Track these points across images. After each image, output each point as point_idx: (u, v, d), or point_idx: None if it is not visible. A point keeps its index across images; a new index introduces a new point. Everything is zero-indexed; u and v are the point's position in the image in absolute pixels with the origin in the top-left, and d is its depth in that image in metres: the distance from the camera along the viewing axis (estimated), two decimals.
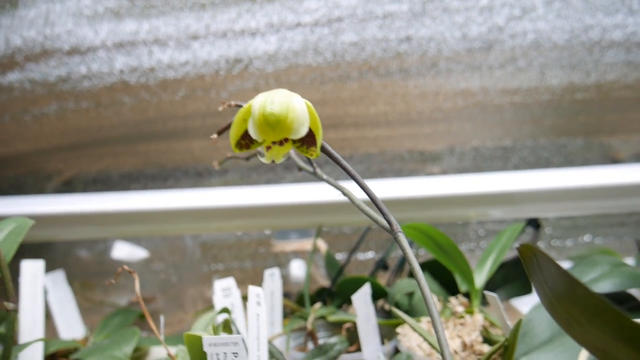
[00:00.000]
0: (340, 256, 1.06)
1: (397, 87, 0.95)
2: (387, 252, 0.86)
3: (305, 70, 0.90)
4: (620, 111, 1.01)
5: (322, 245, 0.93)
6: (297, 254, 0.96)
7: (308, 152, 0.33)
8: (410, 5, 0.85)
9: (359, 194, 0.47)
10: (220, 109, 0.43)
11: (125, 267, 0.50)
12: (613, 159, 1.08)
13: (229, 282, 0.63)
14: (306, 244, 0.93)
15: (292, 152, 0.57)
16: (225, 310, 0.57)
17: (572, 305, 0.24)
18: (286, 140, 0.32)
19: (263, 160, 0.32)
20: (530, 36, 0.89)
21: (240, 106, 0.41)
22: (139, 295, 0.51)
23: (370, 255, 1.12)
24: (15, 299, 0.41)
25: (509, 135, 1.06)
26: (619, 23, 0.87)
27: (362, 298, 0.60)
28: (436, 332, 0.30)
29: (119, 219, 0.80)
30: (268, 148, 0.32)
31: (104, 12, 0.82)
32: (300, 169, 0.54)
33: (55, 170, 1.09)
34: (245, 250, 1.13)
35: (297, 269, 0.93)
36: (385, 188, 0.75)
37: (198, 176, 1.12)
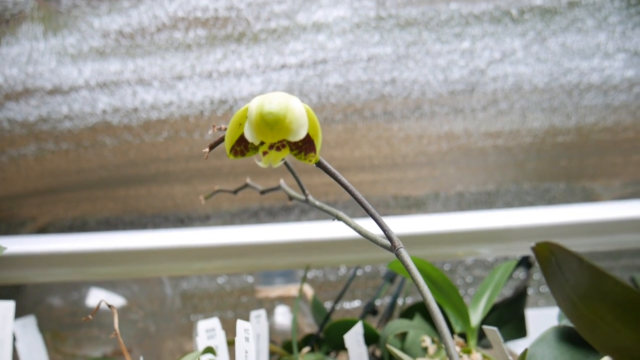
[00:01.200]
0: (326, 305, 1.02)
1: (382, 129, 0.96)
2: (375, 295, 0.84)
3: None
4: (601, 154, 1.02)
5: (309, 290, 0.90)
6: (282, 300, 0.92)
7: (306, 159, 0.31)
8: (394, 48, 0.87)
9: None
10: (210, 132, 0.41)
11: (105, 301, 0.47)
12: (595, 202, 1.08)
13: (213, 323, 0.60)
14: (292, 290, 0.89)
15: (282, 182, 0.56)
16: (209, 349, 0.53)
17: (599, 302, 0.22)
18: (283, 146, 0.30)
19: (260, 164, 0.31)
20: (511, 79, 0.90)
21: None
22: (117, 332, 0.47)
23: (356, 304, 1.09)
24: None
25: (493, 180, 1.06)
26: (596, 67, 0.90)
27: (354, 337, 0.57)
28: (446, 347, 0.28)
29: (95, 260, 0.76)
30: (264, 153, 0.30)
31: (88, 52, 0.82)
32: (291, 198, 0.52)
33: (29, 216, 1.05)
34: (227, 300, 1.09)
35: (282, 316, 0.89)
36: (373, 227, 0.73)
37: (179, 222, 1.09)
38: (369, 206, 0.35)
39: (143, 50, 0.83)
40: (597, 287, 0.22)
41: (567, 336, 0.49)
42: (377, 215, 0.35)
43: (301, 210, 1.08)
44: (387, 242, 0.35)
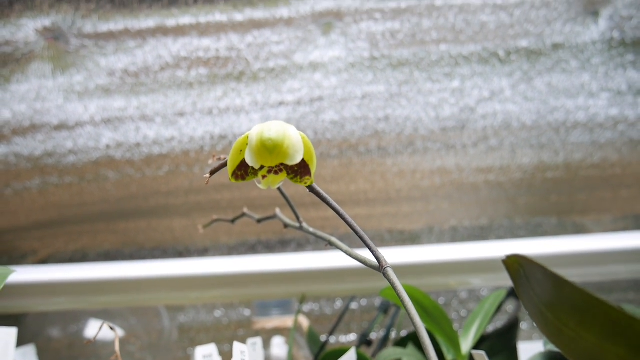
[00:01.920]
0: (322, 338, 1.03)
1: (376, 165, 0.99)
2: (370, 326, 0.85)
3: None
4: (590, 190, 1.05)
5: (304, 322, 0.91)
6: (279, 331, 0.93)
7: (302, 181, 0.34)
8: (387, 86, 0.91)
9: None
10: (211, 161, 0.44)
11: (107, 324, 0.49)
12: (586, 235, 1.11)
13: (211, 349, 0.61)
14: (288, 321, 0.91)
15: (277, 211, 0.58)
16: None
17: (561, 307, 0.24)
18: (281, 170, 0.33)
19: (260, 186, 0.33)
20: (500, 117, 0.94)
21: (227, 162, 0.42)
22: (118, 354, 0.49)
23: (352, 337, 1.10)
24: None
25: (486, 215, 1.09)
26: (581, 105, 0.94)
27: None
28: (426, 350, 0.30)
29: (95, 289, 0.78)
30: (264, 177, 0.33)
31: (94, 89, 0.86)
32: (286, 225, 0.55)
33: (31, 249, 1.07)
34: (224, 333, 1.10)
35: (278, 347, 0.90)
36: (367, 256, 0.75)
37: (178, 255, 1.11)
38: (357, 227, 0.38)
39: (147, 88, 0.87)
40: (559, 294, 0.24)
41: None
42: (366, 238, 0.38)
43: (298, 244, 1.10)
44: (376, 262, 0.38)
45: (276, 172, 0.33)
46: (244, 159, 0.33)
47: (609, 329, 0.23)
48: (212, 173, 0.39)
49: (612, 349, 0.23)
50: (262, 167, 0.33)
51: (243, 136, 0.33)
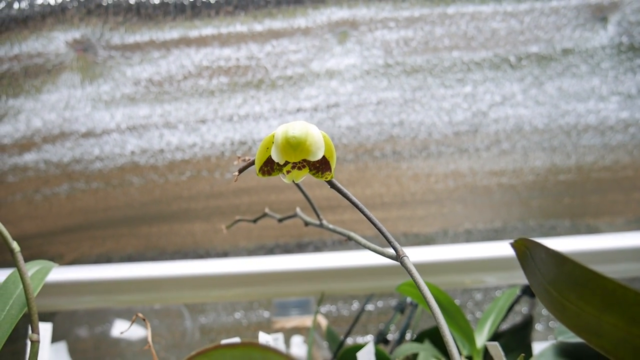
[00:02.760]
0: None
1: (391, 169, 1.01)
2: (387, 325, 0.87)
3: None
4: (602, 192, 1.07)
5: (323, 321, 0.94)
6: (298, 331, 0.96)
7: (323, 177, 0.37)
8: (402, 92, 0.94)
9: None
10: (236, 163, 0.47)
11: (140, 314, 0.52)
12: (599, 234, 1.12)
13: (236, 340, 0.64)
14: (306, 321, 0.93)
15: (298, 210, 0.61)
16: None
17: (564, 283, 0.27)
18: (303, 166, 0.36)
19: (285, 180, 0.36)
20: (512, 120, 0.96)
21: (253, 162, 0.45)
22: (150, 343, 0.52)
23: (369, 338, 1.12)
24: (38, 331, 0.43)
25: (499, 218, 1.11)
26: (592, 109, 0.96)
27: (366, 356, 0.61)
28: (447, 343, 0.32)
29: (121, 288, 0.81)
30: (288, 172, 0.36)
31: (120, 98, 0.90)
32: (306, 223, 0.58)
33: (57, 253, 1.11)
34: (244, 334, 1.13)
35: (297, 347, 0.92)
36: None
37: (198, 259, 1.14)
38: (374, 218, 0.41)
39: (170, 96, 0.91)
40: (561, 270, 0.27)
41: (564, 352, 0.53)
42: (382, 226, 0.40)
43: (315, 247, 1.13)
44: (393, 252, 0.41)
45: (299, 168, 0.36)
46: (270, 156, 0.36)
47: (606, 301, 0.25)
48: (240, 171, 0.43)
49: (611, 320, 0.26)
50: (286, 163, 0.36)
51: (269, 135, 0.36)
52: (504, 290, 1.07)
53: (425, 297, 0.37)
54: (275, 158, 0.34)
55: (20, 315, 0.43)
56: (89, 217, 1.05)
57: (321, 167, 0.37)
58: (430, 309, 0.36)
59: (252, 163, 0.42)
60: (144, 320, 0.51)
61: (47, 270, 0.46)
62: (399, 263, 0.63)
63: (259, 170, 0.37)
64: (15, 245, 0.43)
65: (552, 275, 0.28)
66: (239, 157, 0.49)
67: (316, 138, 0.34)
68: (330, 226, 0.54)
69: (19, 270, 0.42)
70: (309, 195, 0.57)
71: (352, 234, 0.49)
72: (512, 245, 0.31)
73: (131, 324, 0.52)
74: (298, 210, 0.60)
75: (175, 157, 0.95)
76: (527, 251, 0.29)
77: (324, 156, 0.35)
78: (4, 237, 0.43)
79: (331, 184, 0.39)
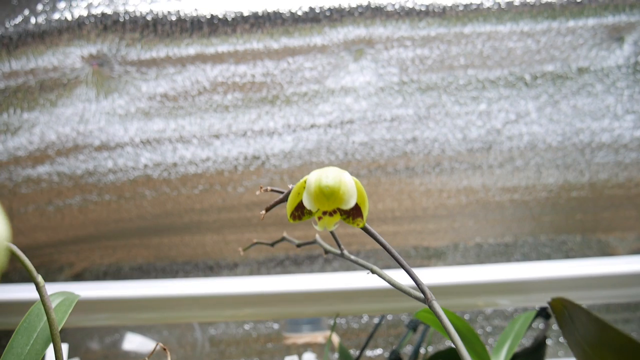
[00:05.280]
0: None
1: (404, 184, 1.01)
2: (400, 344, 0.87)
3: (318, 167, 0.96)
4: (614, 209, 1.07)
5: (335, 338, 0.94)
6: (309, 347, 0.96)
7: (354, 223, 0.37)
8: (416, 109, 0.93)
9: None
10: (258, 193, 0.47)
11: (161, 345, 0.52)
12: (611, 256, 1.12)
13: None
14: (318, 337, 0.93)
15: (317, 237, 0.61)
16: None
17: (605, 350, 0.27)
18: (335, 212, 0.36)
19: (317, 228, 0.36)
20: (526, 138, 0.96)
21: (277, 191, 0.45)
22: None
23: (379, 352, 1.12)
24: None
25: (510, 232, 1.10)
26: (606, 127, 0.96)
27: None
28: None
29: (132, 306, 0.81)
30: (319, 218, 0.36)
31: (135, 112, 0.90)
32: (326, 252, 0.58)
33: (67, 262, 1.11)
34: (254, 346, 1.13)
35: None
36: (396, 277, 0.77)
37: (208, 270, 1.14)
38: (405, 264, 0.40)
39: (184, 111, 0.91)
40: (602, 337, 0.26)
41: None
42: (412, 271, 0.40)
43: (325, 260, 1.13)
44: (420, 295, 0.40)
45: (331, 215, 0.36)
46: (301, 200, 0.36)
47: None
48: (268, 210, 0.42)
49: None
50: (317, 210, 0.36)
51: (301, 181, 0.36)
52: (516, 309, 1.07)
53: (455, 343, 0.37)
54: (307, 205, 0.34)
55: (45, 351, 0.43)
56: (100, 228, 1.05)
57: (353, 212, 0.36)
58: (453, 342, 0.36)
59: (281, 201, 0.42)
60: (164, 349, 0.51)
61: (70, 303, 0.46)
62: (411, 286, 0.63)
63: (290, 216, 0.37)
64: (40, 279, 0.43)
65: (591, 339, 0.28)
66: (261, 187, 0.48)
67: (349, 186, 0.34)
68: (352, 257, 0.54)
69: (44, 305, 0.42)
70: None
71: (375, 268, 0.49)
72: (550, 304, 0.30)
73: (151, 354, 0.52)
74: (317, 237, 0.60)
75: (188, 171, 0.95)
76: (565, 311, 0.29)
77: (356, 203, 0.35)
78: (28, 271, 0.43)
79: (365, 229, 0.39)
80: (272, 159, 0.95)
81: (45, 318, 0.44)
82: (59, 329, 0.43)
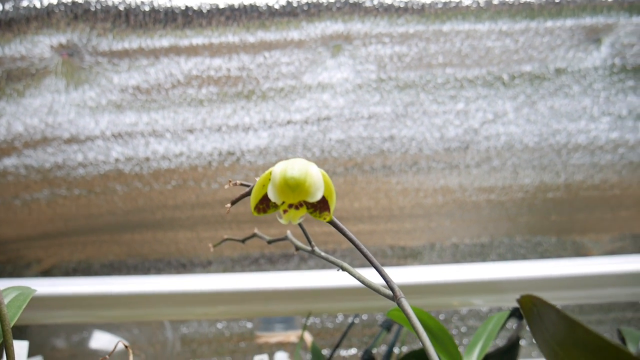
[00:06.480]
0: (323, 352, 1.04)
1: (381, 183, 1.00)
2: (373, 343, 0.86)
3: None
4: (589, 210, 1.07)
5: (308, 337, 0.93)
6: (282, 346, 0.94)
7: (321, 217, 0.35)
8: (393, 107, 0.93)
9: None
10: (227, 186, 0.46)
11: (123, 342, 0.50)
12: (585, 257, 1.12)
13: None
14: (291, 336, 0.92)
15: (289, 233, 0.60)
16: None
17: (574, 348, 0.26)
18: (301, 205, 0.35)
19: (281, 221, 0.35)
20: (503, 138, 0.96)
21: (246, 185, 0.44)
22: None
23: (353, 351, 1.11)
24: None
25: (487, 233, 1.10)
26: (582, 128, 0.96)
27: None
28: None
29: (99, 303, 0.79)
30: (285, 212, 0.35)
31: (106, 104, 0.87)
32: (297, 248, 0.56)
33: (35, 258, 1.08)
34: (226, 345, 1.11)
35: None
36: (369, 276, 0.76)
37: (181, 267, 1.12)
38: (375, 260, 0.39)
39: (158, 105, 0.88)
40: (571, 335, 0.26)
41: None
42: (381, 268, 0.39)
43: (300, 258, 1.12)
44: (389, 292, 0.39)
45: (297, 208, 0.35)
46: (266, 193, 0.35)
47: None
48: (233, 203, 0.41)
49: None
50: (283, 202, 0.34)
51: (266, 172, 0.34)
52: (491, 309, 1.07)
53: (423, 342, 0.36)
54: (272, 198, 0.33)
55: None
56: (69, 224, 1.02)
57: (319, 206, 0.35)
58: (420, 339, 0.35)
59: (247, 194, 0.40)
60: (126, 347, 0.49)
61: (25, 298, 0.44)
62: (384, 285, 0.62)
63: (254, 209, 0.35)
64: None
65: (561, 337, 0.27)
66: (230, 181, 0.47)
67: (315, 178, 0.33)
68: (323, 254, 0.52)
69: None
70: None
71: (346, 265, 0.48)
72: (519, 301, 0.29)
73: (112, 353, 0.50)
74: (289, 233, 0.58)
75: (161, 166, 0.93)
76: (534, 308, 0.28)
77: (323, 196, 0.34)
78: None
79: (332, 223, 0.38)
80: (247, 155, 0.93)
81: None
82: (11, 324, 0.41)
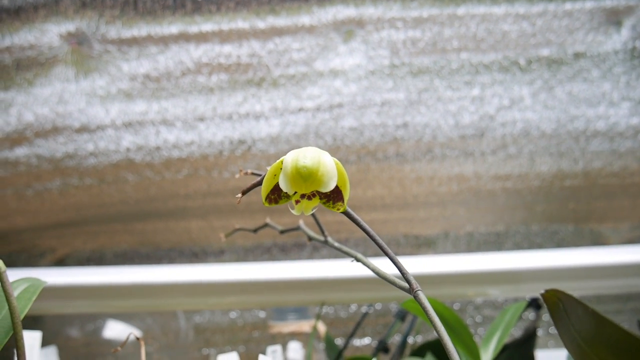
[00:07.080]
0: (337, 342, 1.03)
1: (394, 171, 0.99)
2: (387, 333, 0.85)
3: None
4: (608, 198, 1.05)
5: (321, 327, 0.92)
6: (295, 336, 0.94)
7: (335, 207, 0.34)
8: (407, 94, 0.91)
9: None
10: (237, 176, 0.44)
11: (134, 334, 0.49)
12: (603, 246, 1.10)
13: (233, 357, 0.62)
14: (304, 326, 0.91)
15: (301, 224, 0.59)
16: None
17: (602, 345, 0.24)
18: (314, 195, 0.33)
19: (293, 212, 0.33)
20: (520, 125, 0.94)
21: (257, 174, 0.43)
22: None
23: (366, 341, 1.10)
24: (24, 357, 0.40)
25: (502, 221, 1.08)
26: (601, 114, 0.93)
27: None
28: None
29: (113, 293, 0.79)
30: (297, 202, 0.33)
31: (116, 93, 0.86)
32: (310, 238, 0.55)
33: (49, 247, 1.08)
34: (239, 334, 1.11)
35: (295, 352, 0.90)
36: (383, 266, 0.75)
37: (194, 256, 1.12)
38: (390, 252, 0.38)
39: (168, 93, 0.87)
40: (599, 331, 0.24)
41: None
42: (397, 259, 0.38)
43: (313, 247, 1.11)
44: (405, 285, 0.38)
45: (309, 198, 0.33)
46: (277, 183, 0.33)
47: None
48: (244, 193, 0.40)
49: None
50: (295, 192, 0.33)
51: (277, 161, 0.33)
52: (506, 299, 1.06)
53: (440, 335, 0.34)
54: (283, 188, 0.32)
55: (6, 340, 0.40)
56: (82, 213, 1.02)
57: (333, 196, 0.34)
58: (438, 333, 0.33)
59: (258, 184, 0.39)
60: (137, 339, 0.49)
61: (35, 290, 0.43)
62: (399, 275, 0.60)
63: (265, 199, 0.34)
64: (1, 264, 0.40)
65: (588, 334, 0.25)
66: (241, 170, 0.46)
67: (329, 167, 0.31)
68: (336, 244, 0.51)
69: (5, 292, 0.39)
70: None
71: (360, 256, 0.47)
72: (543, 295, 0.28)
73: (123, 344, 0.49)
74: (301, 223, 0.57)
75: (172, 155, 0.92)
76: (559, 303, 0.27)
77: (336, 186, 0.33)
78: None
79: (346, 214, 0.36)
80: (259, 143, 0.92)
81: (7, 307, 0.41)
82: (22, 317, 0.41)
